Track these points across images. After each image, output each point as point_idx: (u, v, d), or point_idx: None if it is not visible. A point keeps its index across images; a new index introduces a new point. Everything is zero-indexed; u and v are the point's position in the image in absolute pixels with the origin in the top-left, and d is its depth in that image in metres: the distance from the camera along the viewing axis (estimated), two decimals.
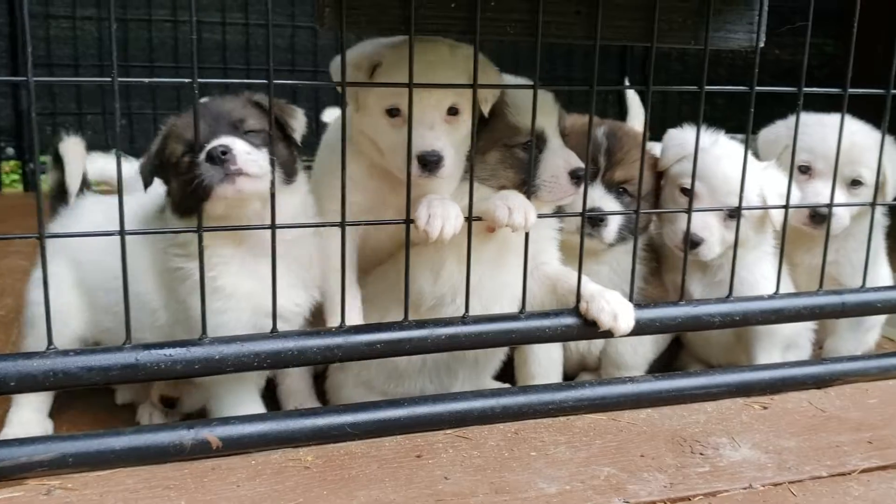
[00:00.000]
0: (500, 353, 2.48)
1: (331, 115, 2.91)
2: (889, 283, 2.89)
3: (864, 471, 2.06)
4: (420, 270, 2.19)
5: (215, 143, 1.91)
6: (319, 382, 2.56)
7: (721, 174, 2.49)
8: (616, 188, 2.53)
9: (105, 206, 2.31)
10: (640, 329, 2.29)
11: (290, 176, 2.11)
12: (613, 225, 2.49)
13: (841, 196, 2.59)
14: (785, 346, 2.73)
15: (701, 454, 2.10)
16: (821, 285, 2.52)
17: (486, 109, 2.19)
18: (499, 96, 2.22)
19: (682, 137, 2.61)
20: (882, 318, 3.01)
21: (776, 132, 2.78)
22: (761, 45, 2.26)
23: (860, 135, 2.62)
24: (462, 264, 2.12)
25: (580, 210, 2.23)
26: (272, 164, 1.96)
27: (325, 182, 2.18)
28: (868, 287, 2.57)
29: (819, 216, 2.58)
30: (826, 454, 2.12)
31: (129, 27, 5.57)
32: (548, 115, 2.25)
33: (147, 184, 2.12)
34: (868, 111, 2.63)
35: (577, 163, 2.20)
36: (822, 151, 2.61)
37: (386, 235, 2.32)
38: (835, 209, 2.53)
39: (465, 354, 2.31)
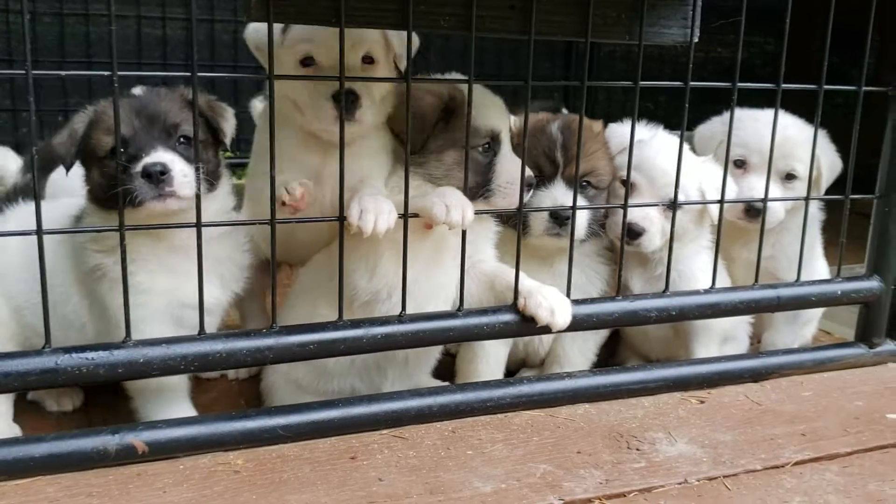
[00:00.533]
0: (434, 352, 2.45)
1: (258, 105, 2.83)
2: (825, 276, 2.93)
3: (797, 463, 2.08)
4: (355, 265, 2.15)
5: (153, 159, 1.89)
6: (255, 384, 2.51)
7: (659, 167, 2.50)
8: (579, 182, 2.46)
9: (24, 213, 2.23)
10: (577, 324, 2.28)
11: (214, 182, 2.10)
12: (582, 220, 2.46)
13: (775, 190, 2.63)
14: (722, 339, 2.75)
15: (637, 450, 2.10)
16: (756, 279, 2.54)
17: (401, 65, 2.20)
18: (459, 96, 2.20)
19: (621, 132, 2.62)
20: (819, 311, 3.06)
21: (711, 128, 2.80)
22: (695, 40, 2.26)
23: (793, 129, 2.66)
24: (398, 261, 2.08)
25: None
26: (198, 174, 1.92)
27: (257, 185, 2.15)
28: (803, 281, 2.61)
29: (754, 210, 2.61)
30: (761, 447, 2.14)
31: (65, 22, 5.40)
32: (502, 119, 2.23)
33: (68, 166, 2.05)
34: (804, 107, 2.66)
35: (528, 172, 2.20)
36: (756, 146, 2.65)
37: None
38: (769, 203, 2.55)
39: (396, 353, 2.27)
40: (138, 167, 1.88)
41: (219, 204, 2.11)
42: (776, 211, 2.64)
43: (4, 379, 1.77)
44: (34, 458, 1.80)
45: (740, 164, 2.71)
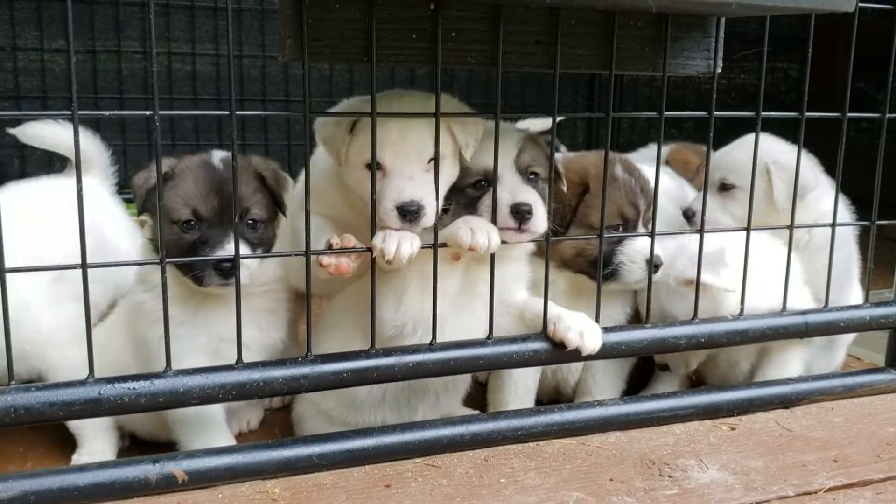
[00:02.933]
0: (463, 382, 2.48)
1: None
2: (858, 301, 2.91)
3: (829, 489, 2.08)
4: (383, 298, 2.18)
5: (227, 253, 2.02)
6: (288, 413, 2.55)
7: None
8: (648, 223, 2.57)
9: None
10: (607, 352, 2.31)
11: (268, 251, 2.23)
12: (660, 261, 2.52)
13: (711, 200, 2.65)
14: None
15: (669, 477, 2.11)
16: (784, 306, 2.55)
17: (468, 154, 2.22)
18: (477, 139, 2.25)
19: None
20: (849, 337, 3.05)
21: (714, 161, 2.82)
22: (718, 71, 2.30)
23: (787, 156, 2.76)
24: (424, 294, 2.13)
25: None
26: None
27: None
28: (831, 307, 2.61)
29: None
30: (792, 474, 2.13)
31: (98, 58, 5.54)
32: (503, 153, 2.23)
33: (140, 210, 2.20)
34: (828, 133, 2.66)
35: (522, 197, 2.19)
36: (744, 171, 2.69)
37: None
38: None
39: (427, 387, 2.32)
40: (211, 256, 2.04)
41: (269, 268, 2.24)
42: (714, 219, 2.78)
43: (49, 409, 1.82)
44: (78, 488, 1.85)
45: (726, 187, 2.89)
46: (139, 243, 2.38)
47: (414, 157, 2.09)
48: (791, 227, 2.56)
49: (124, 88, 5.58)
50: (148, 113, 1.79)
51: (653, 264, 2.43)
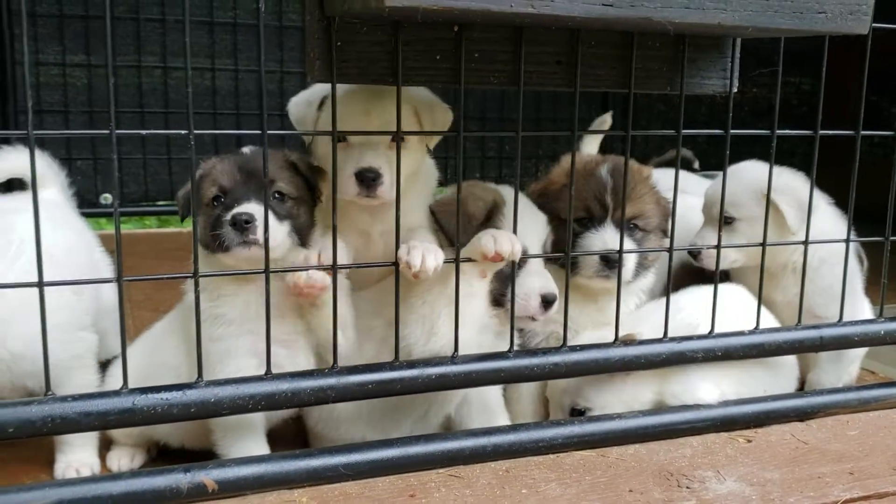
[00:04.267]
0: (452, 401, 2.48)
1: None
2: (868, 316, 2.94)
3: (846, 501, 2.11)
4: (411, 328, 2.23)
5: (243, 208, 2.05)
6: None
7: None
8: (627, 225, 2.53)
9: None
10: (626, 364, 2.36)
11: (304, 240, 2.22)
12: (630, 263, 2.54)
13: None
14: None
15: (688, 488, 2.15)
16: (799, 320, 2.59)
17: (431, 144, 2.34)
18: (500, 201, 2.35)
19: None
20: (862, 351, 3.08)
21: (715, 188, 2.83)
22: (734, 90, 2.35)
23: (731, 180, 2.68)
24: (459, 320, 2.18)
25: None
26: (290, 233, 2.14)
27: None
28: (846, 321, 2.65)
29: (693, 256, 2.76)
30: (809, 486, 2.17)
31: (118, 73, 5.64)
32: (532, 235, 2.33)
33: (183, 216, 2.25)
34: (841, 147, 2.70)
35: (551, 289, 2.27)
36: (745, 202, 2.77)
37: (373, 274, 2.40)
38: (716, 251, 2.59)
39: (414, 402, 2.37)
40: (228, 216, 2.05)
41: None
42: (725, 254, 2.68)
43: (85, 418, 1.88)
44: (112, 496, 1.89)
45: (729, 221, 2.79)
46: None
47: (378, 129, 2.16)
48: (806, 242, 2.61)
49: (144, 102, 5.68)
50: (184, 132, 1.85)
51: (605, 259, 2.48)
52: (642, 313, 2.63)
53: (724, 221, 2.70)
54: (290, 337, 2.21)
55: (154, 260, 4.31)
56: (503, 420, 2.53)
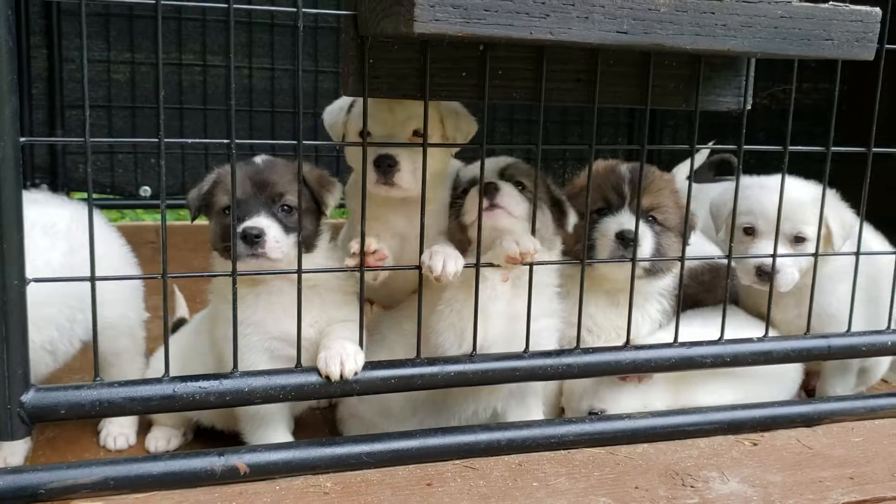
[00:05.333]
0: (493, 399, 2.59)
1: None
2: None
3: None
4: (444, 336, 2.37)
5: (252, 223, 2.18)
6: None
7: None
8: (644, 216, 2.60)
9: None
10: (637, 367, 2.47)
11: (310, 249, 2.34)
12: (647, 245, 2.59)
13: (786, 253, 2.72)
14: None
15: (692, 487, 2.25)
16: (808, 329, 2.68)
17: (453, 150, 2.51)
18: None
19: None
20: (881, 364, 3.15)
21: (722, 199, 2.90)
22: (748, 107, 2.45)
23: (796, 191, 2.72)
24: (484, 325, 2.31)
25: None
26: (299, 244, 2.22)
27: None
28: (854, 331, 2.73)
29: (765, 273, 2.70)
30: (809, 489, 2.27)
31: (183, 71, 5.84)
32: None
33: (194, 217, 2.39)
34: (852, 159, 2.74)
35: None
36: (761, 212, 2.75)
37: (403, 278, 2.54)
38: (781, 265, 2.67)
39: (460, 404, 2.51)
40: (240, 228, 2.18)
41: (317, 263, 2.34)
42: (789, 273, 2.72)
43: (130, 403, 2.05)
44: (152, 475, 2.06)
45: (749, 232, 2.79)
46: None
47: (398, 126, 2.34)
48: (816, 254, 2.70)
49: (184, 99, 5.88)
50: (226, 141, 2.00)
51: (621, 238, 2.54)
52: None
53: (796, 240, 2.75)
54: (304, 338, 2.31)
55: (189, 252, 4.49)
56: (537, 415, 2.62)
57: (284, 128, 5.94)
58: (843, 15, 2.04)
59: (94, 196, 5.69)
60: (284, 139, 5.91)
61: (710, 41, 1.91)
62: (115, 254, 2.63)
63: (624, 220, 2.59)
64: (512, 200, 2.35)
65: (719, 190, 3.03)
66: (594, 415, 2.60)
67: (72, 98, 5.69)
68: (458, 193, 2.49)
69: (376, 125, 2.34)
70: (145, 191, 5.94)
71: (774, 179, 2.70)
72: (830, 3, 2.06)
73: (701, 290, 3.01)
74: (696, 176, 4.01)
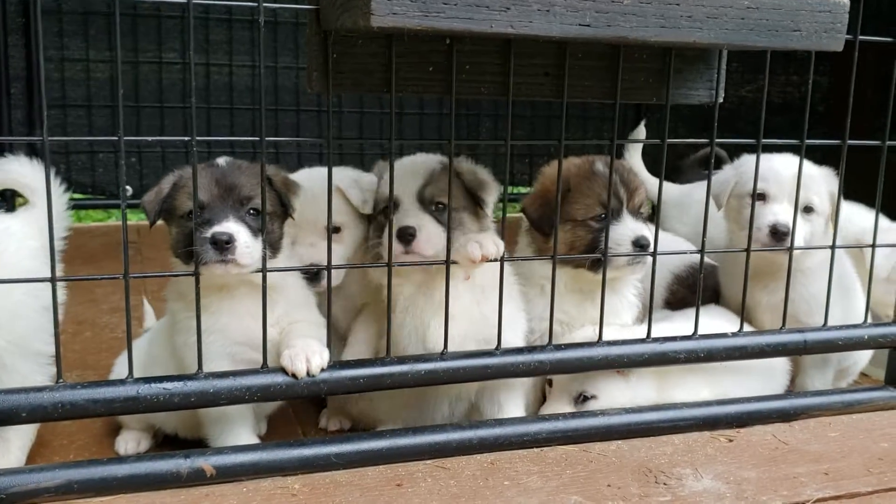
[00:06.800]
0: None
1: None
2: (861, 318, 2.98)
3: (817, 500, 2.19)
4: (407, 341, 2.41)
5: (222, 228, 2.13)
6: (308, 410, 2.73)
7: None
8: (638, 214, 2.63)
9: None
10: (609, 363, 2.45)
11: (275, 252, 2.31)
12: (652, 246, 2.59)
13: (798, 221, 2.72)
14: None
15: (665, 484, 2.24)
16: (784, 323, 2.66)
17: (365, 209, 2.57)
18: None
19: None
20: (860, 358, 3.13)
21: (724, 175, 2.93)
22: (720, 100, 2.43)
23: (806, 167, 2.72)
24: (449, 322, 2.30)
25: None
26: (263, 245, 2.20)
27: None
28: (830, 325, 2.72)
29: (779, 233, 2.70)
30: (783, 485, 2.25)
31: (139, 68, 5.78)
32: (407, 183, 2.40)
33: (152, 222, 2.31)
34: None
35: (406, 223, 2.35)
36: (774, 177, 2.76)
37: None
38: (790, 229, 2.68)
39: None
40: (208, 233, 2.13)
41: (279, 265, 2.31)
42: (797, 240, 2.73)
43: (93, 405, 2.01)
44: (117, 478, 2.03)
45: (761, 197, 2.78)
46: None
47: (312, 224, 2.48)
48: (833, 247, 2.72)
49: (164, 98, 5.83)
50: (186, 138, 1.97)
51: (640, 245, 2.54)
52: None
53: (805, 210, 2.79)
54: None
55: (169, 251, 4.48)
56: (514, 413, 2.57)
57: (243, 126, 5.89)
58: (812, 5, 2.02)
59: (76, 196, 5.69)
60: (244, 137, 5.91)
61: (675, 33, 1.89)
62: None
63: (633, 226, 2.57)
64: (428, 242, 2.34)
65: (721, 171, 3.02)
66: (585, 399, 2.59)
67: (51, 97, 5.65)
68: (376, 213, 2.52)
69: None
70: (127, 191, 5.90)
71: (777, 155, 2.78)
72: None
73: (687, 293, 3.04)
74: (683, 174, 4.05)
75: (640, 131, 3.78)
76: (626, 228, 2.57)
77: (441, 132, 5.89)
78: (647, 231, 2.57)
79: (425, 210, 2.38)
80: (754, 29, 1.97)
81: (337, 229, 2.54)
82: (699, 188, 3.33)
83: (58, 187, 2.62)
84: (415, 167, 2.45)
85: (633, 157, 3.85)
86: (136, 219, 7.06)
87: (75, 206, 6.52)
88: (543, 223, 2.64)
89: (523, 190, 5.49)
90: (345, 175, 2.58)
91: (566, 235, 2.63)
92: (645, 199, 2.70)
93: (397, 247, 2.31)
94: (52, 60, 5.68)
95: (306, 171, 2.80)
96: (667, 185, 3.70)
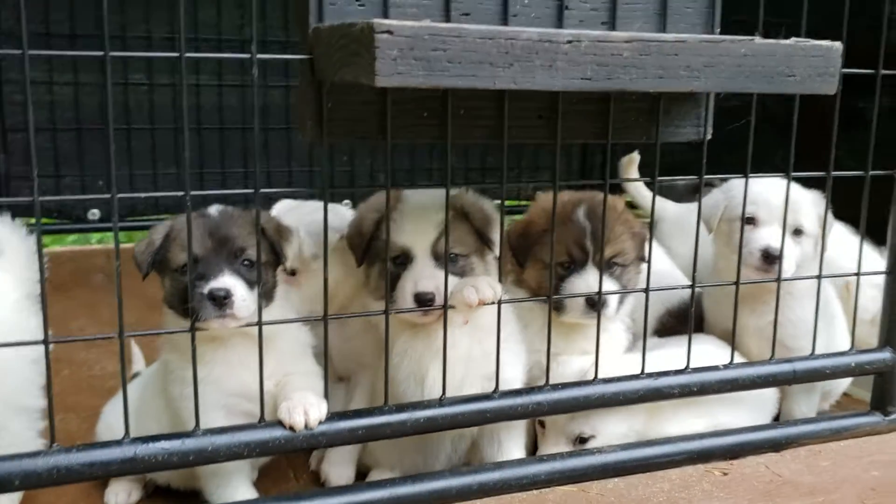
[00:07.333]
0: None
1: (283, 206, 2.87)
2: (846, 345, 3.02)
3: None
4: (405, 385, 2.38)
5: (219, 284, 2.10)
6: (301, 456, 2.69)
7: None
8: (607, 264, 2.60)
9: None
10: (606, 401, 2.46)
11: (269, 301, 2.28)
12: (613, 303, 2.60)
13: (787, 243, 2.75)
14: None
15: None
16: (773, 354, 2.69)
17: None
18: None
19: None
20: (843, 381, 3.18)
21: (714, 200, 2.95)
22: (708, 137, 2.45)
23: (794, 190, 2.77)
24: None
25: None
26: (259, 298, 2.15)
27: None
28: (818, 354, 2.75)
29: (771, 256, 2.72)
30: None
31: (105, 90, 5.65)
32: (420, 234, 2.34)
33: (145, 274, 2.26)
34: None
35: (425, 287, 2.28)
36: (764, 201, 2.78)
37: None
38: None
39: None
40: (205, 289, 2.09)
41: (273, 315, 2.27)
42: (787, 263, 2.75)
43: (89, 469, 1.95)
44: None
45: (750, 220, 2.80)
46: None
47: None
48: (819, 276, 2.75)
49: (131, 119, 5.70)
50: (181, 194, 1.93)
51: (590, 303, 2.53)
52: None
53: (796, 232, 2.81)
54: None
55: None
56: (515, 452, 2.56)
57: (233, 146, 5.80)
58: (805, 50, 2.05)
59: (41, 221, 5.56)
60: (233, 158, 5.80)
61: (673, 83, 1.90)
62: None
63: (591, 280, 2.55)
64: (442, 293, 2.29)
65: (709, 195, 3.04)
66: (584, 440, 2.59)
67: (14, 121, 5.51)
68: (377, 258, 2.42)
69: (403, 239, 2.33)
70: (94, 214, 5.77)
71: (768, 178, 2.78)
72: (792, 38, 2.07)
73: (676, 323, 3.05)
74: (680, 195, 4.07)
75: (635, 157, 3.80)
76: (583, 282, 2.57)
77: (432, 161, 5.81)
78: (608, 285, 2.55)
79: (440, 266, 2.31)
80: (750, 76, 1.98)
81: (293, 272, 2.52)
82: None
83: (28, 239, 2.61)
84: (425, 213, 2.36)
85: (631, 175, 3.84)
86: (100, 243, 6.94)
87: (42, 232, 6.43)
88: (520, 255, 2.66)
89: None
90: (312, 219, 2.52)
91: (536, 274, 2.66)
92: (624, 249, 2.68)
93: (414, 308, 2.28)
94: (16, 83, 5.55)
95: (286, 206, 2.77)
96: (666, 204, 3.80)
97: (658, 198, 3.89)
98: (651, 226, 2.54)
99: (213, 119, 5.73)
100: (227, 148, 5.76)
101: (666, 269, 3.29)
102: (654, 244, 3.00)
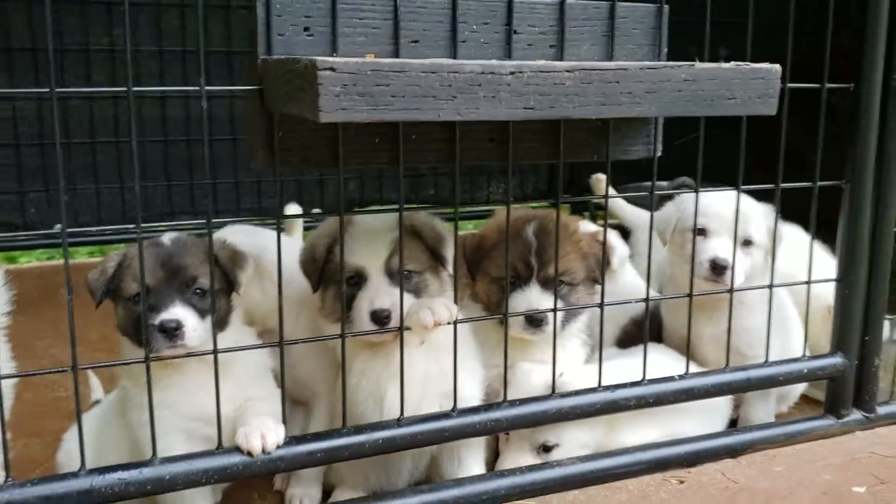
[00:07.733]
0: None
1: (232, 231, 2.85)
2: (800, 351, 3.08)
3: None
4: (364, 406, 2.40)
5: (169, 315, 2.12)
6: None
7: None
8: (553, 285, 2.60)
9: None
10: (563, 415, 2.50)
11: (223, 327, 2.28)
12: (558, 320, 2.61)
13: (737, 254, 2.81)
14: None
15: None
16: (727, 363, 2.75)
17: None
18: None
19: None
20: (799, 387, 3.25)
21: (667, 212, 3.02)
22: (658, 154, 2.49)
23: (744, 203, 2.83)
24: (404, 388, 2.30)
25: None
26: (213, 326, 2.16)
27: None
28: (771, 361, 2.81)
29: (719, 266, 2.79)
30: None
31: (69, 104, 5.62)
32: (372, 254, 2.36)
33: (98, 302, 2.26)
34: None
35: (381, 304, 2.29)
36: (714, 213, 2.85)
37: None
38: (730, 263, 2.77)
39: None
40: (156, 321, 2.11)
41: (229, 339, 2.28)
42: (737, 273, 2.81)
43: (45, 502, 1.96)
44: None
45: (701, 232, 2.86)
46: None
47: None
48: (771, 286, 2.81)
49: (95, 133, 5.67)
50: (132, 226, 1.94)
51: (529, 319, 2.59)
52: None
53: (745, 243, 2.87)
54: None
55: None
56: (475, 468, 2.58)
57: (199, 155, 5.77)
58: (745, 73, 2.10)
59: (4, 235, 5.52)
60: (200, 167, 5.79)
61: (615, 109, 1.94)
62: None
63: (532, 297, 2.60)
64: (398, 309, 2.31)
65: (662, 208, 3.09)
66: (548, 449, 2.63)
67: None
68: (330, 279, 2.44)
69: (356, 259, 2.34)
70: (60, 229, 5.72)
71: (717, 192, 2.86)
72: (732, 62, 2.11)
73: (638, 332, 3.07)
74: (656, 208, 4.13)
75: (601, 176, 3.85)
76: (524, 299, 2.61)
77: (382, 180, 5.80)
78: (548, 303, 2.57)
79: (395, 283, 2.32)
80: (692, 100, 2.03)
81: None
82: None
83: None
84: (376, 234, 2.38)
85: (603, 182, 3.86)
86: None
87: (4, 248, 6.37)
88: (473, 268, 2.73)
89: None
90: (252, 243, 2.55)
91: (485, 287, 2.73)
92: (571, 268, 2.69)
93: (371, 327, 2.29)
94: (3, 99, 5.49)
95: (233, 230, 2.78)
96: (641, 212, 3.85)
97: (633, 207, 3.99)
98: (604, 244, 2.57)
99: (157, 132, 5.71)
100: (195, 156, 5.76)
101: (630, 279, 3.35)
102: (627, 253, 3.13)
